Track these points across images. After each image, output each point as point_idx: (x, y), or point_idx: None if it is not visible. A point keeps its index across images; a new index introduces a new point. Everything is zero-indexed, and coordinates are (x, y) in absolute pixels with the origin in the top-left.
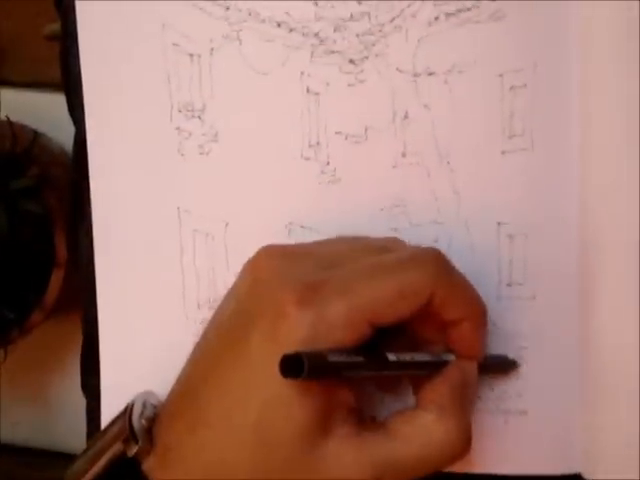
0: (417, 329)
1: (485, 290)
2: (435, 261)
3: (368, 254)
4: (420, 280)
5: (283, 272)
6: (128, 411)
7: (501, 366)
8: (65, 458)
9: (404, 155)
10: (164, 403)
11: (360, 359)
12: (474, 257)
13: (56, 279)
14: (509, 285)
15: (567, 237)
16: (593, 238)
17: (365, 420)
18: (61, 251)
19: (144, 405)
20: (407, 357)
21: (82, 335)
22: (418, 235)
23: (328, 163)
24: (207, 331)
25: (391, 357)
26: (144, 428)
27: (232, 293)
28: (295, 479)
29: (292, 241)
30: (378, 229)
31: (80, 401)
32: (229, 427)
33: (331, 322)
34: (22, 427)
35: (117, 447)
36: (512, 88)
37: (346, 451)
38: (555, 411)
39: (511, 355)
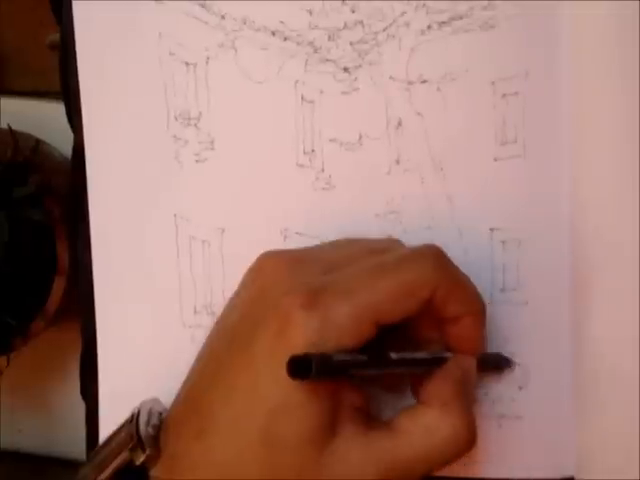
0: (416, 327)
1: None
2: (435, 257)
3: (369, 255)
4: (422, 276)
5: (287, 278)
6: (135, 419)
7: (496, 364)
8: (66, 464)
9: (398, 162)
10: (170, 410)
11: (364, 358)
12: (467, 263)
13: (58, 287)
14: (502, 290)
15: (559, 243)
16: (585, 243)
17: (371, 419)
18: (63, 259)
19: (150, 413)
20: (408, 355)
21: (81, 342)
22: (412, 241)
23: (323, 170)
24: (212, 337)
25: (393, 355)
26: (151, 436)
27: (236, 300)
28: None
29: (288, 247)
30: (372, 235)
31: (82, 407)
32: (236, 432)
33: (337, 324)
34: (24, 434)
35: (124, 455)
36: (504, 96)
37: (352, 450)
38: (548, 415)
39: None
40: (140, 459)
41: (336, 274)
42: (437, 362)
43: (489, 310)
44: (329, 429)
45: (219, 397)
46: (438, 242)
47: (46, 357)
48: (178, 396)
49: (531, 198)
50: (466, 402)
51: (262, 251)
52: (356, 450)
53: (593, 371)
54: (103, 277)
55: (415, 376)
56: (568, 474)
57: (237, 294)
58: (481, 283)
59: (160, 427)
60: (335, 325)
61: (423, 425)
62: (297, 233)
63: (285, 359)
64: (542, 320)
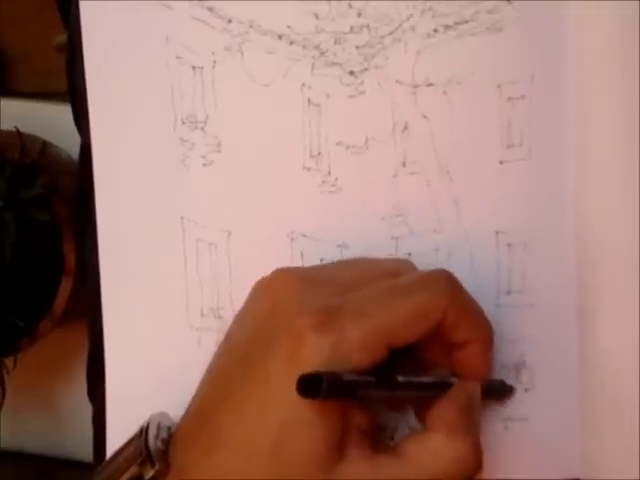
0: (424, 351)
1: (484, 298)
2: (446, 281)
3: (381, 278)
4: (433, 300)
5: (299, 297)
6: (144, 433)
7: (499, 392)
8: (73, 465)
9: (404, 165)
10: (179, 424)
11: (373, 380)
12: (473, 265)
13: (65, 288)
14: (508, 293)
15: (565, 245)
16: (590, 246)
17: (377, 443)
18: (70, 260)
19: (159, 426)
20: (415, 379)
21: (88, 343)
22: (418, 244)
23: (329, 173)
24: (222, 352)
25: (400, 379)
26: (160, 450)
27: (248, 316)
28: None
29: (295, 249)
30: (379, 238)
31: (89, 408)
32: (246, 449)
33: (349, 345)
34: (30, 434)
35: (133, 470)
36: (510, 99)
37: (360, 473)
38: (554, 417)
39: (511, 362)
40: (149, 474)
41: (349, 296)
42: (442, 387)
43: (495, 312)
44: (337, 451)
45: (230, 413)
46: (444, 245)
47: (53, 358)
48: (188, 410)
49: (537, 201)
50: (471, 427)
51: (269, 253)
52: (363, 473)
53: (599, 373)
54: (110, 278)
55: (419, 400)
56: (574, 476)
57: (246, 309)
58: (487, 286)
59: (169, 441)
60: (348, 348)
61: (430, 450)
62: (303, 236)
63: (297, 378)
64: (548, 322)
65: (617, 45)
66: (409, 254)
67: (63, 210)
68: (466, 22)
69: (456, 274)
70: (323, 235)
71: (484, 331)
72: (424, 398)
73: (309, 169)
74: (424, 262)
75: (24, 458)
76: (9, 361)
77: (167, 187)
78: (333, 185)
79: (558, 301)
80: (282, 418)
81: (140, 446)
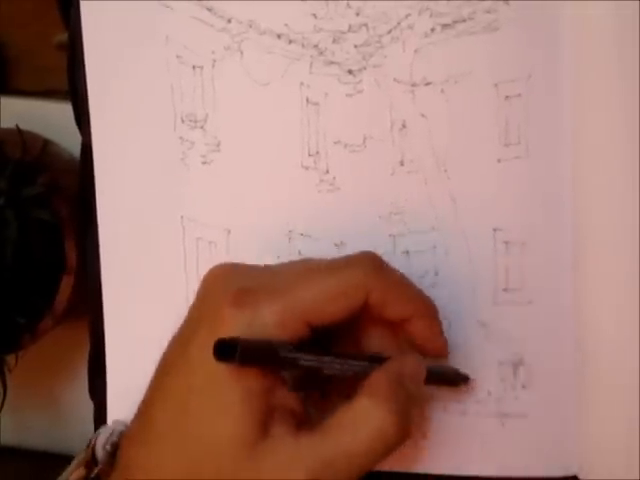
0: (366, 333)
1: (482, 295)
2: (368, 261)
3: (306, 261)
4: (353, 279)
5: (223, 283)
6: (93, 440)
7: (452, 378)
8: None
9: (402, 163)
10: (128, 425)
11: (292, 346)
12: (471, 263)
13: (66, 285)
14: (505, 290)
15: (562, 243)
16: (588, 243)
17: (306, 423)
18: (71, 258)
19: (112, 432)
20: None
21: (89, 341)
22: (416, 242)
23: (327, 172)
24: (162, 355)
25: (327, 359)
26: (108, 453)
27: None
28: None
29: (292, 248)
30: (376, 236)
31: (90, 405)
32: (175, 435)
33: (265, 321)
34: (32, 431)
35: (80, 472)
36: (507, 98)
37: (282, 451)
38: (552, 414)
39: (509, 359)
40: (94, 472)
41: (271, 276)
42: (379, 360)
43: (493, 309)
44: (261, 429)
45: (160, 404)
46: (442, 242)
47: (54, 355)
48: (137, 410)
49: (534, 199)
50: (400, 398)
51: (267, 252)
52: (286, 450)
53: (597, 369)
54: (111, 277)
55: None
56: (571, 473)
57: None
58: (484, 283)
59: (118, 444)
60: (264, 322)
61: (351, 419)
62: (302, 234)
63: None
64: (545, 320)
65: (613, 44)
66: (407, 252)
67: (64, 208)
68: (464, 21)
69: (454, 272)
70: (321, 233)
71: (420, 306)
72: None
73: (307, 168)
74: (422, 260)
75: (25, 455)
76: (10, 359)
77: (167, 186)
78: (331, 184)
79: (555, 298)
80: (205, 399)
81: (88, 451)
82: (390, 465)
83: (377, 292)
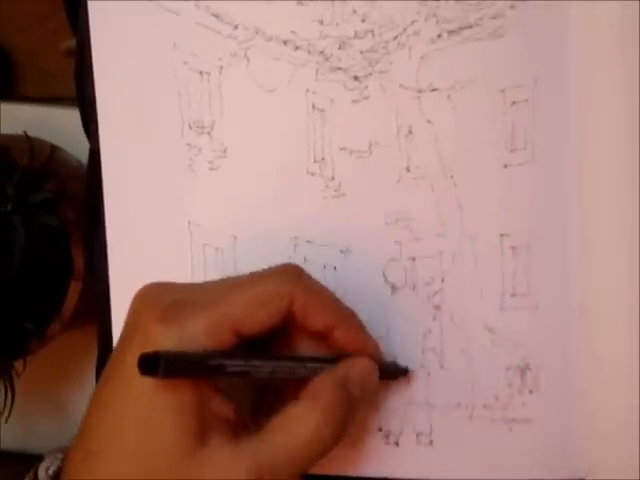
0: (299, 343)
1: (489, 301)
2: (290, 272)
3: (232, 276)
4: (274, 289)
5: (151, 299)
6: (34, 469)
7: (391, 372)
8: None
9: (408, 170)
10: (70, 444)
11: (219, 352)
12: (478, 269)
13: (74, 291)
14: (512, 296)
15: (569, 248)
16: (594, 248)
17: (244, 429)
18: (78, 263)
19: (55, 458)
20: (281, 362)
21: (97, 346)
22: (422, 248)
23: (333, 178)
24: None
25: (257, 361)
26: (50, 477)
27: None
28: None
29: (298, 255)
30: (382, 243)
31: None
32: (112, 448)
33: (193, 334)
34: (40, 436)
35: None
36: (513, 103)
37: (222, 458)
38: (559, 419)
39: (516, 364)
40: None
41: (197, 291)
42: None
43: (500, 315)
44: (197, 439)
45: (97, 417)
46: (448, 249)
47: (62, 360)
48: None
49: (540, 204)
50: (338, 398)
51: (273, 258)
52: (226, 457)
53: (603, 373)
54: (119, 282)
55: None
56: (579, 477)
57: None
58: (491, 289)
59: (59, 470)
60: (191, 335)
61: (286, 422)
62: (307, 241)
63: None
64: (552, 325)
65: (619, 48)
66: (413, 258)
67: (71, 214)
68: (470, 27)
69: (460, 277)
70: (326, 240)
71: (342, 313)
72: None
73: (313, 174)
74: (428, 266)
75: (32, 460)
76: (19, 364)
77: (174, 192)
78: (337, 190)
79: (562, 304)
80: (140, 412)
81: (31, 476)
82: (398, 471)
83: (298, 300)
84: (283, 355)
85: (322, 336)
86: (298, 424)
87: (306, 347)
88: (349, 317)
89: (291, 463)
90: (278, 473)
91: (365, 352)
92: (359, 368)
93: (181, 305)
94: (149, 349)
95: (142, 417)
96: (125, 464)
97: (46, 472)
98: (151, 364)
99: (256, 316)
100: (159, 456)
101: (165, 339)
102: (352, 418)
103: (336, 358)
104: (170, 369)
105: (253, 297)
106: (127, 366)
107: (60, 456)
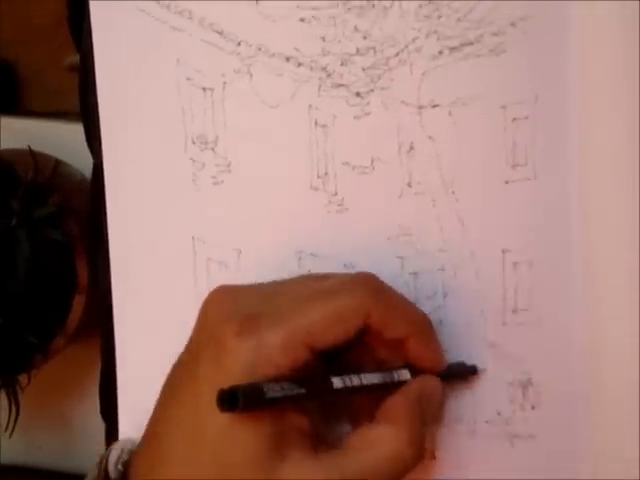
0: (375, 349)
1: (491, 316)
2: (367, 283)
3: (305, 283)
4: (353, 303)
5: (226, 308)
6: (104, 459)
7: (460, 373)
8: None
9: (410, 185)
10: (137, 445)
11: (301, 390)
12: (479, 284)
13: (78, 305)
14: (514, 311)
15: (571, 263)
16: (596, 263)
17: (321, 443)
18: (82, 277)
19: (122, 450)
20: (355, 381)
21: (100, 360)
22: (424, 263)
23: (336, 193)
24: (168, 375)
25: (337, 383)
26: (120, 472)
27: (188, 339)
28: None
29: (302, 268)
30: (384, 257)
31: (102, 425)
32: (186, 461)
33: (269, 348)
34: (44, 450)
35: None
36: (514, 120)
37: (300, 473)
38: (562, 434)
39: (518, 380)
40: None
41: (272, 302)
42: (389, 386)
43: (502, 330)
44: (276, 454)
45: (169, 428)
46: (450, 264)
47: (66, 375)
48: (144, 431)
49: (542, 220)
50: (418, 420)
51: (277, 272)
52: (306, 472)
53: (606, 389)
54: (122, 296)
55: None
56: None
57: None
58: (493, 304)
59: (129, 463)
60: (267, 349)
61: (368, 442)
62: (311, 254)
63: (223, 386)
64: (554, 340)
65: (620, 66)
66: (415, 273)
67: (76, 228)
68: (471, 44)
69: (462, 292)
70: (330, 254)
71: (417, 324)
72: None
73: (316, 189)
74: (430, 281)
75: (36, 474)
76: (23, 378)
77: (178, 206)
78: (339, 205)
79: (564, 319)
80: (216, 427)
81: (100, 471)
82: None
83: (376, 314)
84: (351, 387)
85: (396, 344)
86: (382, 443)
87: (377, 354)
88: (425, 326)
89: None
90: None
91: (436, 360)
92: (431, 386)
93: (257, 317)
94: (224, 363)
95: (217, 432)
96: (201, 475)
97: (115, 466)
98: (229, 399)
99: (332, 332)
100: (236, 471)
101: (240, 354)
102: (426, 437)
103: (402, 367)
104: (249, 404)
105: (329, 312)
106: (199, 379)
107: (126, 449)
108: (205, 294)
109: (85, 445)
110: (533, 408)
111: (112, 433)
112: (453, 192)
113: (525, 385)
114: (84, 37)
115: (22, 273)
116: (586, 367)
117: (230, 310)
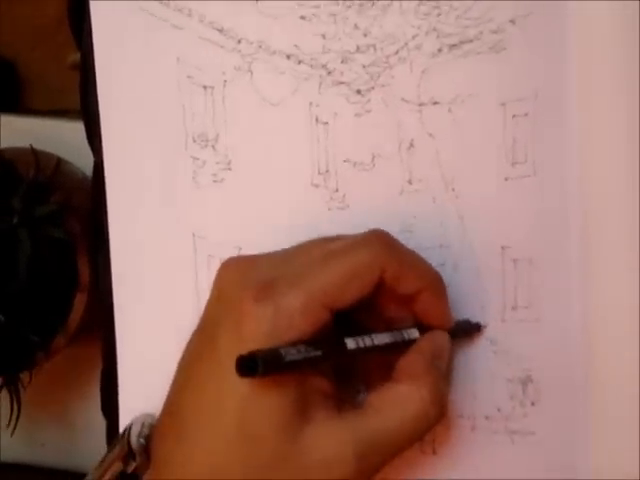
0: (384, 308)
1: (490, 313)
2: (380, 239)
3: (318, 245)
4: (367, 258)
5: (241, 277)
6: (127, 432)
7: (466, 331)
8: None
9: (410, 182)
10: (158, 419)
11: (317, 353)
12: (479, 280)
13: (79, 303)
14: (514, 308)
15: (570, 260)
16: (595, 260)
17: (343, 403)
18: (84, 276)
19: (142, 425)
20: (368, 341)
21: (102, 358)
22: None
23: (337, 190)
24: (186, 345)
25: (350, 344)
26: (142, 446)
27: (203, 311)
28: (284, 468)
29: None
30: None
31: (103, 422)
32: (212, 431)
33: (289, 311)
34: (46, 448)
35: (117, 466)
36: (514, 117)
37: (327, 433)
38: (561, 431)
39: (518, 377)
40: (131, 468)
41: (287, 266)
42: (402, 345)
43: (501, 327)
44: (301, 416)
45: (192, 399)
46: (450, 260)
47: (67, 372)
48: (164, 404)
49: (542, 217)
50: (436, 376)
51: None
52: (330, 432)
53: (606, 386)
54: (123, 294)
55: (386, 358)
56: None
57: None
58: (493, 301)
59: (150, 437)
60: (287, 313)
61: (393, 401)
62: None
63: (244, 352)
64: (554, 337)
65: (619, 63)
66: None
67: (77, 226)
68: (470, 41)
69: (462, 289)
70: None
71: (428, 279)
72: (392, 355)
73: (317, 186)
74: None
75: (38, 471)
76: (24, 376)
77: (179, 204)
78: (340, 202)
79: (564, 315)
80: (238, 395)
81: (123, 444)
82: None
83: (390, 269)
84: (367, 346)
85: (408, 299)
86: (406, 402)
87: (386, 313)
88: (437, 281)
89: (398, 439)
90: (384, 447)
91: (442, 321)
92: (441, 342)
93: (274, 282)
94: (244, 329)
95: (240, 399)
96: (227, 447)
97: (138, 439)
98: (249, 364)
99: (349, 289)
100: (261, 436)
101: (260, 319)
102: (446, 393)
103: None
104: (268, 368)
105: (345, 270)
106: (220, 349)
107: (147, 423)
108: (206, 291)
109: (86, 443)
110: (533, 404)
111: (113, 431)
112: (453, 189)
113: (525, 382)
114: (84, 36)
115: (23, 271)
116: (585, 364)
117: (245, 278)
